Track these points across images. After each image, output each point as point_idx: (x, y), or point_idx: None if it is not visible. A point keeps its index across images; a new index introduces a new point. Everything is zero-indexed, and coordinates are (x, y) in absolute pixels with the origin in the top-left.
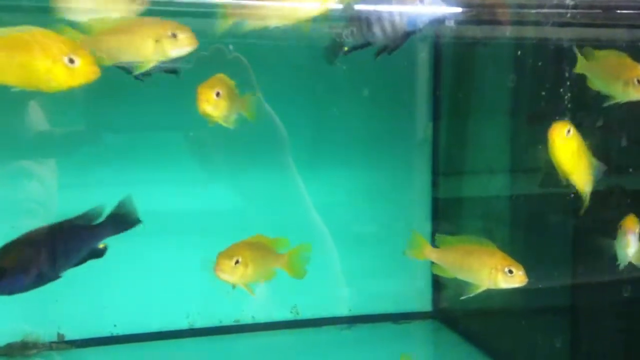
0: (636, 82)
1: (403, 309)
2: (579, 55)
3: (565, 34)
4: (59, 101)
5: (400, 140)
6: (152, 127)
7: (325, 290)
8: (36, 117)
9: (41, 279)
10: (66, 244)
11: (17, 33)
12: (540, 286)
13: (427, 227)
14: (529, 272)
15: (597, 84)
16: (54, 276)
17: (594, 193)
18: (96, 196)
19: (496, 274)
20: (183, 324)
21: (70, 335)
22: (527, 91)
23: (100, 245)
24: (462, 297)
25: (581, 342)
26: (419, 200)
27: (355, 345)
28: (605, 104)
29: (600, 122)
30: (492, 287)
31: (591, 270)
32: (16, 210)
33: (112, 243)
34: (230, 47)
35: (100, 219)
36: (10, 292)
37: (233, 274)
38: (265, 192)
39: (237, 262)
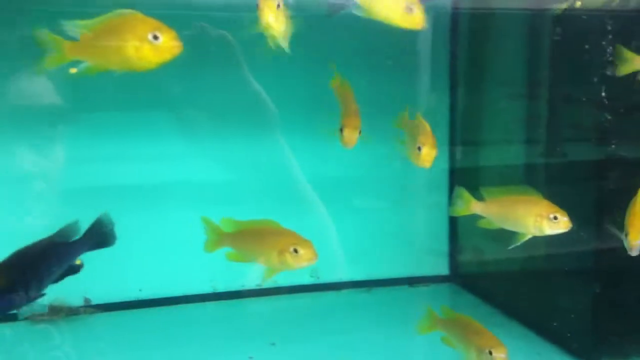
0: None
1: (421, 273)
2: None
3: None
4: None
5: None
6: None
7: (343, 256)
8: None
9: (28, 299)
10: (48, 262)
11: (104, 18)
12: (562, 251)
13: (444, 196)
14: (549, 245)
15: None
16: (39, 295)
17: (618, 160)
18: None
19: (542, 220)
20: (207, 288)
21: (97, 300)
22: (545, 63)
23: (77, 262)
24: (510, 247)
25: (602, 303)
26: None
27: (374, 306)
28: None
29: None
30: (538, 234)
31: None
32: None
33: (136, 209)
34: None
35: (77, 236)
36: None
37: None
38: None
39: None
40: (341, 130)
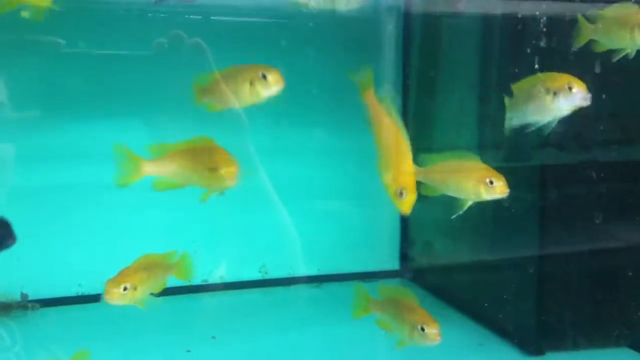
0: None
1: (372, 268)
2: (584, 22)
3: (533, 9)
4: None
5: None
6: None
7: (296, 252)
8: None
9: None
10: None
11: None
12: (509, 255)
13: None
14: (496, 241)
15: (605, 43)
16: None
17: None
18: None
19: (479, 185)
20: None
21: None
22: (495, 66)
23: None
24: (453, 216)
25: (545, 297)
26: None
27: (322, 301)
28: (615, 59)
29: None
30: (477, 199)
31: (556, 239)
32: None
33: (79, 207)
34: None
35: None
36: None
37: (123, 299)
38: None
39: (125, 288)
40: (400, 193)
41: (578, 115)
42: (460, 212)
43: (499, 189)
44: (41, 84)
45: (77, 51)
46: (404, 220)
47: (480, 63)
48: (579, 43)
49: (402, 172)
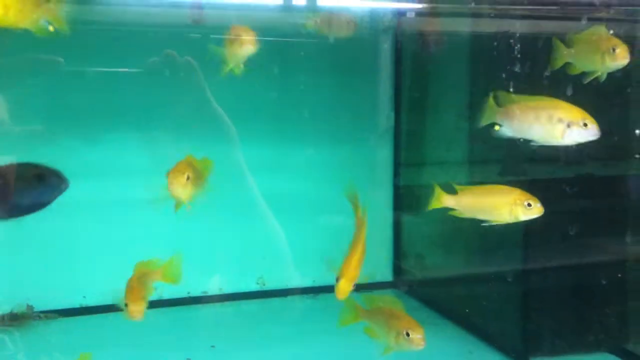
0: (612, 52)
1: (364, 280)
2: (559, 44)
3: (521, 28)
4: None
5: (363, 130)
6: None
7: (290, 263)
8: None
9: None
10: None
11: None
12: (496, 268)
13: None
14: (484, 255)
15: (579, 66)
16: None
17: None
18: None
19: (517, 208)
20: (152, 296)
21: (41, 306)
22: (484, 83)
23: None
24: (484, 224)
25: (531, 306)
26: (380, 186)
27: (319, 312)
28: (586, 81)
29: None
30: (513, 220)
31: (541, 249)
32: None
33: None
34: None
35: None
36: None
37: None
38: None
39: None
40: (337, 279)
41: None
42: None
43: (536, 210)
44: (41, 101)
45: (76, 69)
46: (397, 234)
47: (470, 80)
48: (554, 66)
49: (347, 264)
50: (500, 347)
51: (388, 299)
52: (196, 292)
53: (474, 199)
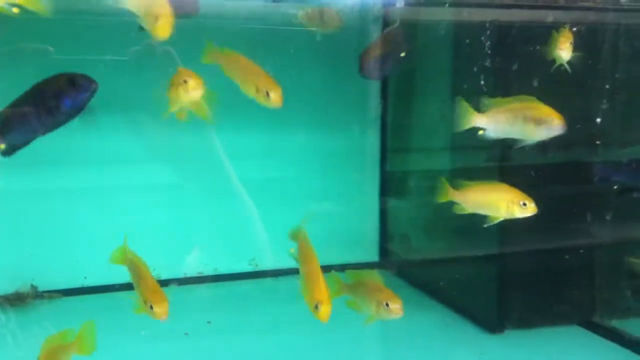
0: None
1: (353, 260)
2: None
3: (503, 17)
4: None
5: (352, 117)
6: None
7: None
8: None
9: None
10: None
11: None
12: (474, 248)
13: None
14: (463, 235)
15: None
16: None
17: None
18: None
19: (513, 206)
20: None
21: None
22: (466, 72)
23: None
24: (485, 225)
25: (505, 282)
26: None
27: None
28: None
29: None
30: (509, 217)
31: (516, 231)
32: None
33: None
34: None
35: None
36: None
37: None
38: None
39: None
40: (316, 306)
41: None
42: (492, 223)
43: (530, 209)
44: None
45: (62, 57)
46: (384, 217)
47: (453, 69)
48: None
49: (316, 290)
50: (477, 321)
51: (367, 274)
52: (192, 273)
53: (476, 196)
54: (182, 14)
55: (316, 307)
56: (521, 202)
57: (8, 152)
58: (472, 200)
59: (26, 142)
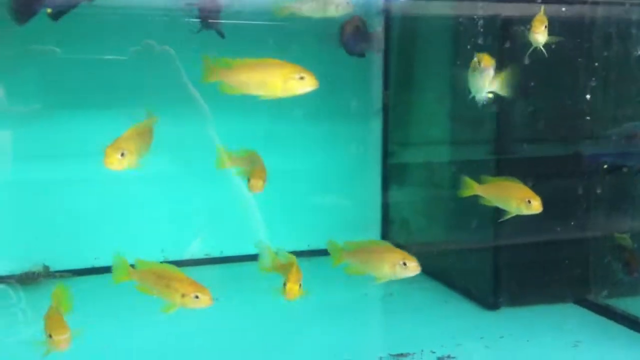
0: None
1: None
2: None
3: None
4: None
5: (357, 108)
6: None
7: (285, 228)
8: None
9: None
10: None
11: None
12: (471, 231)
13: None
14: (461, 219)
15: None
16: None
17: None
18: None
19: (521, 203)
20: (158, 257)
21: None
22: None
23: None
24: (500, 220)
25: (500, 262)
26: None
27: (313, 272)
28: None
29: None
30: (519, 213)
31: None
32: None
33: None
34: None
35: None
36: None
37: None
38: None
39: (122, 154)
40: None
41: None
42: (506, 218)
43: (535, 207)
44: (40, 85)
45: (68, 56)
46: (385, 202)
47: (453, 62)
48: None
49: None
50: (474, 298)
51: (370, 241)
52: (200, 255)
53: (494, 191)
54: None
55: (284, 284)
56: (527, 200)
57: (56, 17)
58: (493, 195)
59: (70, 7)
